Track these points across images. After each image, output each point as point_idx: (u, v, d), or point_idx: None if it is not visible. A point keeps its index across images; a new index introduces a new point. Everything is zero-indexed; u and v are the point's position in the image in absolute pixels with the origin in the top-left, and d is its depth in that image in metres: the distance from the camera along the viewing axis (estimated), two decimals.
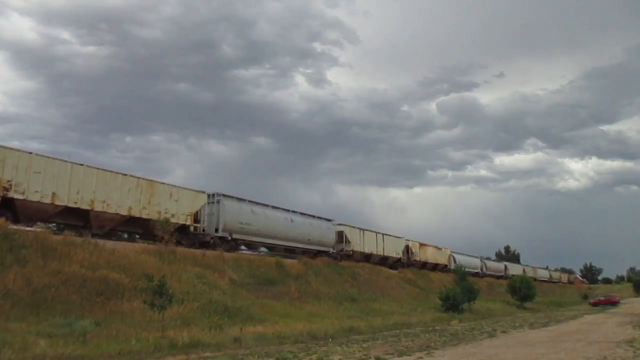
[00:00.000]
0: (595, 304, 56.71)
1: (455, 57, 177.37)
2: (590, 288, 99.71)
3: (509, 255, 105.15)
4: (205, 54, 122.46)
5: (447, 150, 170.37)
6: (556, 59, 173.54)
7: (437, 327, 23.96)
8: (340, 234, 39.46)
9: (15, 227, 19.38)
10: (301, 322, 21.46)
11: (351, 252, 39.72)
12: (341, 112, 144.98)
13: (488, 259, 74.97)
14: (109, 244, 22.23)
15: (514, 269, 74.32)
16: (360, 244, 41.32)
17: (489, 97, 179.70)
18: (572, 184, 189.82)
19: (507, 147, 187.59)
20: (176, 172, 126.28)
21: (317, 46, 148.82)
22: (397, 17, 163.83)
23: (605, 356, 12.50)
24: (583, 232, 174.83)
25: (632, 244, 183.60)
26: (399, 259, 47.16)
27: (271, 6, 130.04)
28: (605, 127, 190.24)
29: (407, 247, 48.98)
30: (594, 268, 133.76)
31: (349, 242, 39.71)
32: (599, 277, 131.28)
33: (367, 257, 42.20)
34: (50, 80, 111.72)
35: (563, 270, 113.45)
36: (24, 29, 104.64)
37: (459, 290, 34.56)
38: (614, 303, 56.57)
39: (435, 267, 54.51)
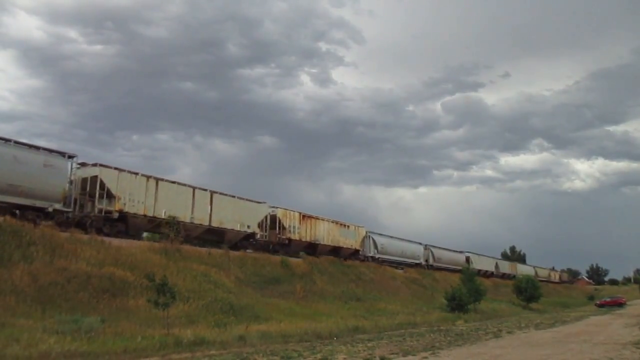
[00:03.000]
0: (601, 305, 56.31)
1: (460, 57, 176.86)
2: (597, 289, 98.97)
3: (515, 256, 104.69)
4: (211, 53, 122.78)
5: (452, 150, 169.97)
6: (562, 59, 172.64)
7: (442, 327, 23.89)
8: (92, 184, 23.12)
9: (23, 223, 19.53)
10: (306, 320, 21.48)
11: (117, 214, 23.60)
12: (346, 111, 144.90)
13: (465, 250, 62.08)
14: (115, 241, 22.38)
15: (481, 263, 62.24)
16: (147, 202, 24.89)
17: (495, 97, 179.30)
18: (578, 184, 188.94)
19: (513, 147, 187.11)
20: (182, 171, 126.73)
21: (323, 46, 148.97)
22: (402, 17, 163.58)
23: (611, 358, 12.41)
24: (589, 233, 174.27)
25: (638, 245, 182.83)
26: (252, 235, 31.40)
27: (277, 5, 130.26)
28: (612, 128, 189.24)
29: (272, 218, 33.20)
30: (600, 269, 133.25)
31: (115, 197, 23.59)
32: (606, 278, 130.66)
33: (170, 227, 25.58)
34: (57, 79, 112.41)
35: (569, 270, 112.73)
36: (32, 27, 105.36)
37: (466, 290, 34.43)
38: (620, 304, 56.15)
39: (335, 252, 38.60)
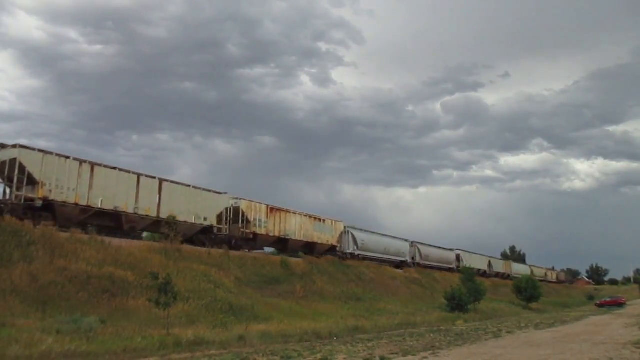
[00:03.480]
0: (601, 305, 56.31)
1: (460, 57, 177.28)
2: (597, 289, 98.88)
3: (515, 256, 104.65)
4: (211, 53, 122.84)
5: (452, 150, 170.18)
6: (562, 59, 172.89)
7: (442, 327, 23.88)
8: (11, 167, 20.63)
9: (23, 223, 19.54)
10: (306, 320, 21.50)
11: (41, 202, 20.93)
12: (346, 111, 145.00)
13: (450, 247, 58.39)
14: (115, 241, 22.39)
15: (473, 262, 56.43)
16: (80, 190, 22.26)
17: (494, 97, 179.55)
18: (577, 184, 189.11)
19: (513, 147, 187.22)
20: (182, 171, 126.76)
21: (322, 46, 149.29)
22: (402, 17, 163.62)
23: (611, 357, 12.39)
24: (589, 233, 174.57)
25: (638, 245, 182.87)
26: (209, 229, 28.75)
27: (276, 5, 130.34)
28: (612, 128, 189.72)
29: (235, 211, 30.61)
30: (600, 269, 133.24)
31: (38, 183, 20.91)
32: (606, 278, 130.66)
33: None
34: (57, 79, 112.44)
35: (569, 270, 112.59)
36: (31, 28, 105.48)
37: (466, 290, 34.45)
38: (620, 304, 56.16)
39: (309, 248, 36.17)
